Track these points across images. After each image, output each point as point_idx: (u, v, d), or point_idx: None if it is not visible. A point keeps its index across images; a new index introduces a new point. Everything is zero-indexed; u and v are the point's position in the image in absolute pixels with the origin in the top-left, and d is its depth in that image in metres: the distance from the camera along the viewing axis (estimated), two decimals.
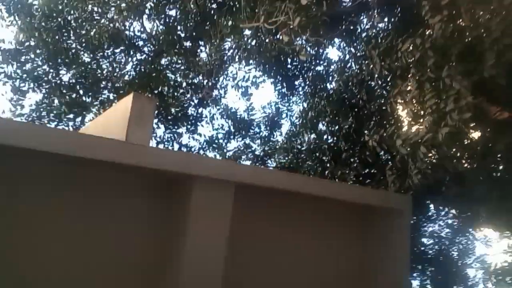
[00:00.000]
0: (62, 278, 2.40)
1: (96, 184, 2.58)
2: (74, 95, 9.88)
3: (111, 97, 10.23)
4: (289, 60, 10.29)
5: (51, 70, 9.67)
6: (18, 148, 2.00)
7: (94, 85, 9.94)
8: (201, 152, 10.63)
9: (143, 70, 10.24)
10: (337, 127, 8.42)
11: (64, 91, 9.79)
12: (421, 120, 5.34)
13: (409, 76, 5.49)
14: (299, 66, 10.45)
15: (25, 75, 9.24)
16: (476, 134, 5.50)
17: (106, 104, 9.93)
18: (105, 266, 2.55)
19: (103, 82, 10.30)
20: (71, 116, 9.86)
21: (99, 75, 10.12)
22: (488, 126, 4.92)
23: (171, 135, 10.50)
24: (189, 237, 2.47)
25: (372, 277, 3.86)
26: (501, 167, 5.65)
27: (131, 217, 2.69)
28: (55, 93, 9.63)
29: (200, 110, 10.91)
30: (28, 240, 2.34)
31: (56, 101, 9.76)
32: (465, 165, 5.68)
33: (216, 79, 10.55)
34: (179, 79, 10.75)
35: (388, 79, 6.94)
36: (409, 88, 5.58)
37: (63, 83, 9.88)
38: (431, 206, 7.63)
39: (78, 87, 9.90)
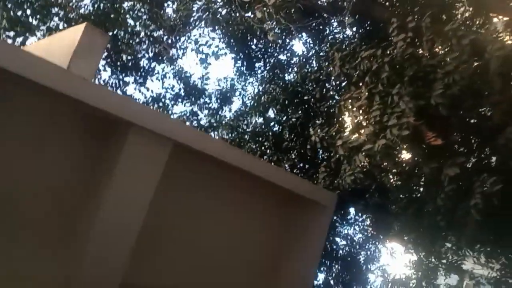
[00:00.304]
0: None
1: (31, 108, 2.37)
2: (20, 13, 9.03)
3: (61, 26, 9.49)
4: (254, 41, 10.23)
5: None
6: None
7: (44, 9, 9.15)
8: None
9: (101, 8, 9.58)
10: (285, 117, 8.56)
11: (10, 5, 8.91)
12: (362, 130, 5.57)
13: (363, 85, 5.67)
14: (263, 50, 10.43)
15: None
16: (407, 155, 5.86)
17: (54, 31, 9.20)
18: (26, 198, 2.38)
19: (56, 8, 9.52)
20: (11, 33, 9.03)
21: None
22: (420, 149, 5.26)
23: (117, 81, 10.01)
24: (115, 182, 2.38)
25: (282, 263, 3.99)
26: (421, 189, 6.09)
27: (62, 150, 2.52)
28: None
29: (153, 65, 10.49)
30: None
31: None
32: (391, 179, 6.05)
33: (178, 38, 10.17)
34: (138, 28, 10.21)
35: (343, 84, 7.13)
36: (359, 96, 5.78)
37: None
38: (352, 209, 8.09)
39: (26, 5, 9.05)
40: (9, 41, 9.07)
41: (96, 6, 9.68)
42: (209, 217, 3.47)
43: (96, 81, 9.56)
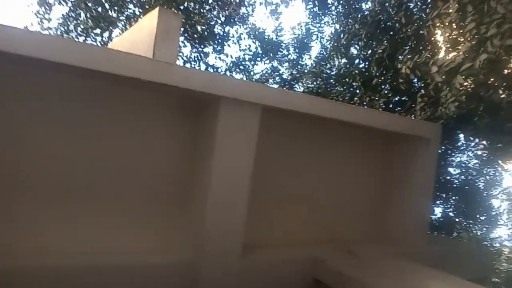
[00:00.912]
0: (95, 190, 2.54)
1: (124, 101, 2.60)
2: (100, 9, 9.69)
3: (137, 12, 9.99)
4: None
5: None
6: (46, 62, 2.00)
7: (119, 0, 9.68)
8: (228, 73, 10.52)
9: None
10: (370, 51, 8.05)
11: (90, 4, 9.59)
12: (459, 47, 5.01)
13: None
14: None
15: None
16: None
17: (132, 19, 9.74)
18: (137, 180, 2.68)
19: None
20: (98, 31, 9.79)
21: None
22: None
23: (198, 54, 10.34)
24: (216, 155, 2.52)
25: (394, 202, 3.92)
26: None
27: (160, 135, 2.74)
28: (80, 6, 9.46)
29: (227, 29, 10.58)
30: (56, 154, 2.45)
31: (82, 15, 9.64)
32: (502, 95, 5.42)
33: None
34: None
35: (428, 1, 6.41)
36: (449, 10, 5.17)
37: None
38: (461, 136, 7.48)
39: (103, 0, 9.66)
40: (97, 38, 9.87)
41: None
42: (310, 171, 3.52)
43: (180, 59, 10.01)
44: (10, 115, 2.31)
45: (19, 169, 2.34)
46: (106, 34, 9.99)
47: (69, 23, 9.59)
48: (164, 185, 2.77)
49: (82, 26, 9.55)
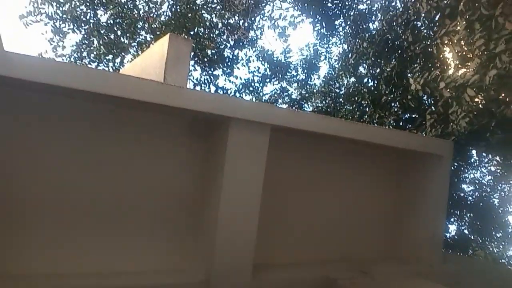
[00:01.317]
0: (107, 213, 2.58)
1: (135, 124, 2.66)
2: (112, 36, 9.97)
3: (148, 38, 10.25)
4: None
5: (89, 11, 9.72)
6: (59, 88, 2.07)
7: (131, 26, 9.96)
8: (237, 95, 10.65)
9: (178, 10, 10.07)
10: (378, 70, 8.09)
11: (102, 31, 9.88)
12: (469, 63, 5.02)
13: (458, 15, 5.07)
14: (340, 5, 9.85)
15: (64, 16, 9.35)
16: None
17: (144, 45, 9.98)
18: (149, 201, 2.71)
19: (140, 23, 10.28)
20: (110, 57, 10.04)
21: (135, 15, 10.08)
22: None
23: (208, 77, 10.51)
24: (226, 175, 2.55)
25: (407, 220, 3.88)
26: None
27: (171, 157, 2.79)
28: (93, 34, 9.75)
29: (236, 52, 10.76)
30: (68, 178, 2.49)
31: (95, 42, 9.92)
32: None
33: (252, 19, 10.24)
34: (215, 20, 10.53)
35: (436, 19, 6.46)
36: (457, 28, 5.19)
37: (101, 23, 9.96)
38: (474, 152, 7.39)
39: (115, 28, 9.95)
40: (110, 64, 10.12)
41: (173, 10, 10.21)
42: (322, 190, 3.52)
43: (190, 82, 10.19)
44: (24, 140, 2.38)
45: (33, 192, 2.39)
46: (118, 60, 10.25)
47: (82, 49, 9.87)
48: (175, 206, 2.80)
49: (95, 53, 9.82)
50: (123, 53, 10.25)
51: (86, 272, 2.43)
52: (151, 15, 10.36)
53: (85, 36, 9.89)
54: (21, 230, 2.34)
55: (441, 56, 6.48)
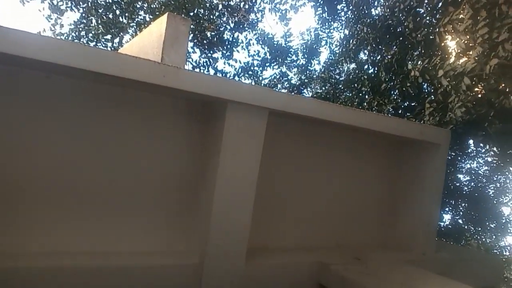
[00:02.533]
0: (102, 193, 2.57)
1: (132, 104, 2.63)
2: (110, 15, 9.83)
3: (147, 19, 10.11)
4: None
5: None
6: (57, 66, 2.03)
7: (130, 6, 9.81)
8: (236, 78, 10.57)
9: None
10: (379, 56, 8.03)
11: (101, 10, 9.73)
12: (470, 52, 4.97)
13: (463, 2, 5.00)
14: None
15: None
16: None
17: (143, 25, 9.85)
18: (144, 183, 2.70)
19: (139, 3, 10.13)
20: (108, 37, 9.92)
21: None
22: None
23: (207, 60, 10.42)
24: (222, 158, 2.53)
25: (402, 208, 3.89)
26: None
27: (167, 138, 2.77)
28: (91, 12, 9.60)
29: (236, 35, 10.64)
30: (65, 157, 2.48)
31: (93, 21, 9.78)
32: None
33: (253, 1, 10.09)
34: (215, 1, 10.37)
35: (439, 6, 6.38)
36: (461, 16, 5.13)
37: (99, 2, 9.80)
38: (471, 142, 7.40)
39: (114, 7, 9.80)
40: (108, 44, 10.01)
41: None
42: (317, 175, 3.51)
43: (189, 64, 10.09)
44: (21, 118, 2.35)
45: (31, 172, 2.37)
46: (116, 40, 10.13)
47: (80, 29, 9.74)
48: (171, 187, 2.79)
49: (93, 32, 9.70)
50: (121, 33, 10.12)
51: (80, 251, 2.43)
52: None
53: (83, 15, 9.75)
54: (19, 210, 2.34)
55: (443, 44, 6.42)
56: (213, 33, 10.15)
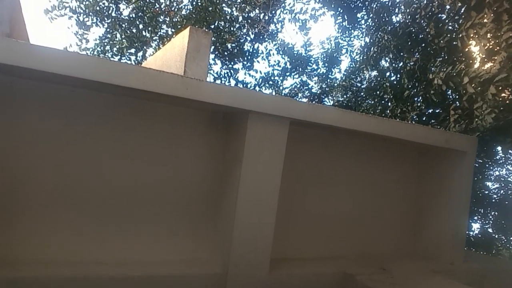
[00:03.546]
0: (126, 203, 2.62)
1: (155, 117, 2.69)
2: (134, 30, 10.09)
3: (170, 32, 10.33)
4: None
5: (111, 5, 9.86)
6: (82, 80, 2.11)
7: (152, 20, 10.05)
8: (257, 88, 10.63)
9: (199, 4, 10.09)
10: (401, 63, 7.92)
11: (125, 25, 10.01)
12: (495, 57, 4.85)
13: (485, 6, 4.91)
14: None
15: (87, 10, 9.51)
16: None
17: (165, 39, 10.07)
18: (168, 193, 2.74)
19: (161, 17, 10.37)
20: (132, 50, 10.17)
21: (157, 9, 10.17)
22: None
23: (228, 71, 10.52)
24: (244, 169, 2.55)
25: (428, 217, 3.81)
26: None
27: (190, 149, 2.81)
28: (116, 27, 9.89)
29: (256, 46, 10.72)
30: (93, 169, 2.54)
31: (118, 35, 10.06)
32: None
33: (273, 12, 10.18)
34: (235, 13, 10.51)
35: (461, 11, 6.27)
36: (484, 20, 5.03)
37: (123, 17, 10.09)
38: (499, 149, 7.17)
39: (137, 21, 10.06)
40: (132, 57, 10.26)
41: (194, 3, 10.25)
42: (341, 185, 3.49)
43: (210, 76, 10.24)
44: (48, 132, 2.44)
45: (62, 181, 2.45)
46: (140, 54, 10.38)
47: (105, 43, 10.04)
48: (193, 197, 2.83)
49: (117, 46, 9.97)
50: (145, 47, 10.37)
51: (103, 261, 2.49)
52: (172, 8, 10.43)
53: (108, 30, 10.05)
54: (42, 218, 2.41)
55: (466, 49, 6.29)
56: (233, 45, 10.27)
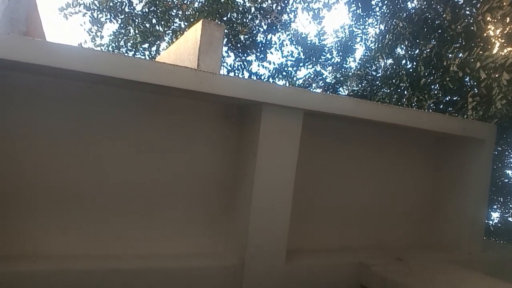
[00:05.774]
0: (143, 195, 2.66)
1: (169, 110, 2.72)
2: (147, 25, 10.15)
3: (182, 26, 10.35)
4: None
5: (124, 1, 9.93)
6: (97, 76, 2.14)
7: (165, 14, 10.09)
8: (271, 80, 10.60)
9: None
10: (417, 51, 7.76)
11: (138, 20, 10.08)
12: None
13: None
14: None
15: (101, 6, 9.61)
16: None
17: (178, 32, 10.10)
18: (183, 185, 2.78)
19: (174, 11, 10.39)
20: (146, 45, 10.25)
21: (169, 3, 10.20)
22: None
23: (241, 63, 10.52)
24: (259, 160, 2.57)
25: (446, 207, 3.77)
26: None
27: (204, 142, 2.84)
28: (129, 23, 9.97)
29: (269, 37, 10.67)
30: (109, 163, 2.59)
31: (131, 31, 10.14)
32: None
33: (285, 2, 10.09)
34: (247, 4, 10.47)
35: None
36: (502, 3, 4.89)
37: (136, 12, 10.15)
38: None
39: (150, 16, 10.11)
40: (146, 52, 10.34)
41: None
42: (357, 175, 3.48)
43: (224, 68, 10.24)
44: (64, 127, 2.49)
45: (80, 176, 2.51)
46: (154, 48, 10.45)
47: (119, 39, 10.13)
48: (209, 190, 2.86)
49: (131, 41, 10.06)
50: (158, 41, 10.43)
51: (121, 254, 2.54)
52: (185, 2, 10.44)
53: (122, 25, 10.14)
54: (62, 212, 2.48)
55: (484, 34, 6.13)
56: (246, 36, 10.24)
